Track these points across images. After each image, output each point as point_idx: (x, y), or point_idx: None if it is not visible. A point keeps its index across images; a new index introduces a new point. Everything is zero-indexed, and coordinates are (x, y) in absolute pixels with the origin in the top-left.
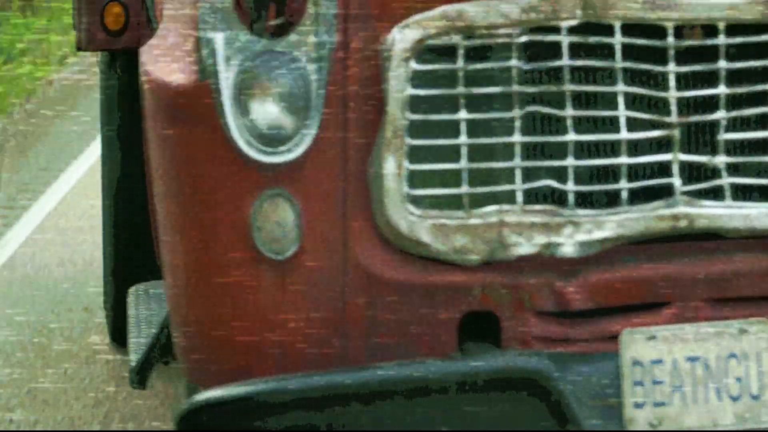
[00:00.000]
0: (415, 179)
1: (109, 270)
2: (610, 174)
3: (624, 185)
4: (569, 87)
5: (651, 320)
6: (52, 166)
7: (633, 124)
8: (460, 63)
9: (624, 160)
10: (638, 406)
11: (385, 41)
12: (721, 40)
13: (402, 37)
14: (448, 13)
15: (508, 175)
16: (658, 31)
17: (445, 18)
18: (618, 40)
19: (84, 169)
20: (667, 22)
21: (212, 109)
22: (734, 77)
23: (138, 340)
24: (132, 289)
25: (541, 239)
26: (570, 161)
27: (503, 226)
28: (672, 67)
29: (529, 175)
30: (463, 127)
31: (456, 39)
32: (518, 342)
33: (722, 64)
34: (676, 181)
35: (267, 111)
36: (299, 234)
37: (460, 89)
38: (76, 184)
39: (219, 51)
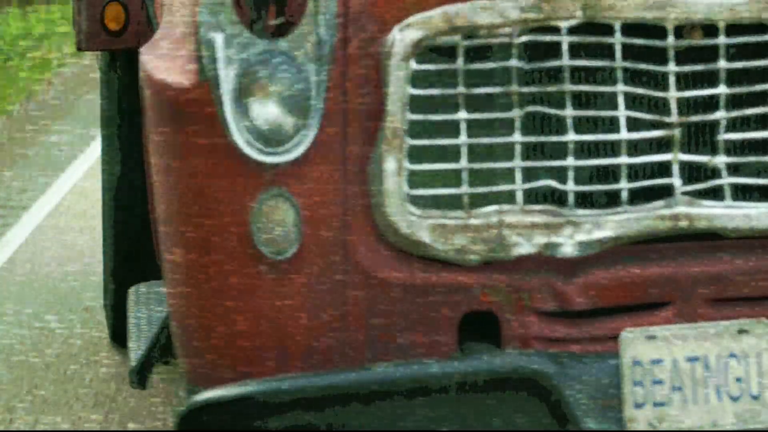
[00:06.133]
0: (415, 179)
1: (109, 270)
2: (610, 174)
3: (624, 185)
4: (569, 87)
5: (651, 320)
6: (52, 166)
7: (633, 124)
8: (460, 63)
9: (624, 160)
10: (638, 406)
11: (385, 41)
12: (721, 40)
13: (402, 37)
14: (448, 13)
15: (508, 175)
16: (658, 31)
17: (445, 18)
18: (618, 40)
19: (84, 169)
20: (667, 22)
21: (212, 109)
22: (734, 77)
23: (138, 340)
24: (132, 289)
25: (541, 239)
26: (570, 161)
27: (503, 226)
28: (672, 67)
29: (529, 175)
30: (463, 127)
31: (456, 39)
32: (518, 342)
33: (722, 64)
34: (676, 181)
35: (267, 111)
36: (299, 234)
37: (460, 89)
38: (75, 184)
39: (219, 51)
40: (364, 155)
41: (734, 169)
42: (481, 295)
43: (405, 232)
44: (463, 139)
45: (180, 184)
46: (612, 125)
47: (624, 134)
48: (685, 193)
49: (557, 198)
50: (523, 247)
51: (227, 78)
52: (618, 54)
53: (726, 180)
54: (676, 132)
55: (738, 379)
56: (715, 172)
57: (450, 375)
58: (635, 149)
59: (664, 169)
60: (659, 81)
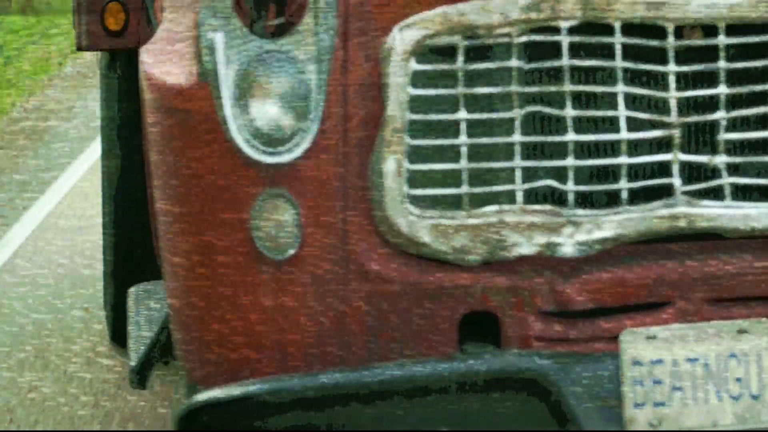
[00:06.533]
0: (415, 179)
1: (109, 270)
2: (610, 174)
3: (624, 185)
4: (569, 87)
5: (651, 320)
6: (52, 166)
7: (633, 124)
8: (460, 63)
9: (624, 160)
10: (638, 406)
11: (385, 41)
12: (721, 40)
13: (402, 37)
14: (448, 13)
15: (508, 175)
16: (658, 31)
17: (445, 18)
18: (618, 40)
19: (84, 169)
20: (667, 22)
21: (212, 109)
22: (734, 77)
23: (138, 340)
24: (132, 289)
25: (541, 239)
26: (570, 161)
27: (503, 226)
28: (672, 67)
29: (529, 175)
30: (463, 127)
31: (456, 39)
32: (518, 342)
33: (722, 64)
34: (676, 181)
35: (267, 111)
36: (299, 234)
37: (460, 89)
38: (75, 185)
39: (219, 51)
40: (364, 155)
41: (734, 169)
42: (481, 295)
43: (405, 232)
44: (463, 139)
45: (180, 184)
46: (612, 125)
47: (624, 134)
48: (685, 193)
49: (557, 198)
50: (523, 247)
51: (227, 78)
52: (618, 54)
53: (726, 180)
54: (676, 132)
55: (738, 379)
56: (715, 172)
57: (450, 375)
58: (635, 149)
59: (664, 169)
60: (659, 81)
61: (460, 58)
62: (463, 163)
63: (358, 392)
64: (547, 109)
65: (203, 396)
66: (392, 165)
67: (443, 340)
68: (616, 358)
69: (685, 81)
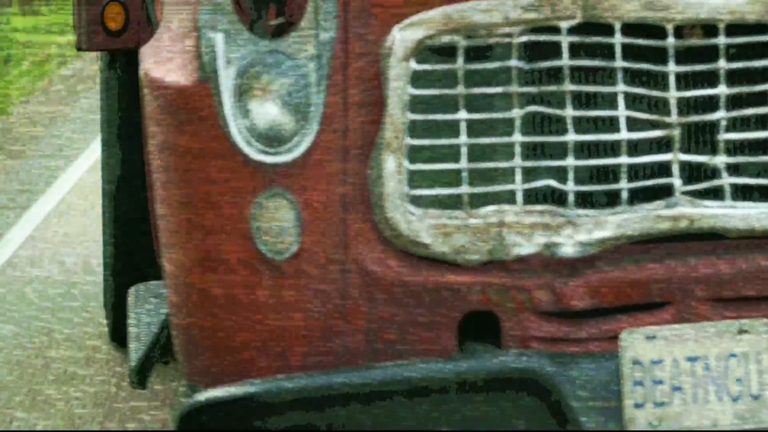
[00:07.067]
0: (415, 179)
1: (109, 270)
2: (610, 174)
3: (624, 185)
4: (569, 87)
5: (651, 320)
6: (52, 166)
7: (633, 124)
8: (460, 63)
9: (624, 160)
10: (638, 406)
11: (385, 41)
12: (721, 40)
13: (402, 37)
14: (448, 13)
15: (508, 175)
16: (658, 31)
17: (445, 18)
18: (618, 40)
19: (84, 168)
20: (667, 22)
21: (212, 109)
22: (734, 77)
23: (138, 340)
24: (132, 289)
25: (541, 239)
26: (570, 161)
27: (503, 226)
28: (672, 67)
29: (529, 175)
30: (463, 127)
31: (456, 39)
32: (518, 342)
33: (722, 64)
34: (676, 181)
35: (267, 111)
36: (299, 234)
37: (460, 89)
38: (75, 184)
39: (219, 51)
40: (364, 155)
41: (734, 169)
42: (481, 295)
43: (405, 232)
44: (463, 139)
45: (180, 184)
46: (612, 125)
47: (624, 134)
48: (685, 193)
49: (557, 198)
50: (523, 247)
51: (227, 78)
52: (618, 54)
53: (726, 180)
54: (676, 132)
55: (738, 379)
56: (715, 172)
57: (450, 375)
58: (635, 149)
59: (664, 169)
60: (659, 81)
61: (460, 58)
62: (463, 163)
63: (358, 392)
64: (547, 109)
65: (203, 396)
66: (392, 165)
67: (443, 340)
68: (616, 358)
69: (685, 81)
